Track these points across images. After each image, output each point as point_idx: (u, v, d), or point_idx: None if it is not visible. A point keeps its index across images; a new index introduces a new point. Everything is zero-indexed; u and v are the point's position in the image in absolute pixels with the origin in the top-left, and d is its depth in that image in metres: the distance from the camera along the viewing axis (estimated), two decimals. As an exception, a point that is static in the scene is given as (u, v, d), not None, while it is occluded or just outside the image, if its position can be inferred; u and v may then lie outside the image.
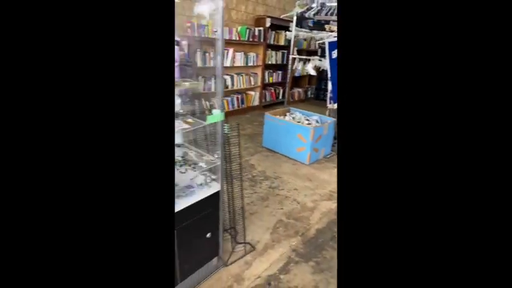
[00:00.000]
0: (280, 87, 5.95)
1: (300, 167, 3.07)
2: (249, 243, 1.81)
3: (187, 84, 1.27)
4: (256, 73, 5.24)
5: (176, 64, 1.35)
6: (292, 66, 4.55)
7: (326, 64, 3.60)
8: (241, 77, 4.91)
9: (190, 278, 1.44)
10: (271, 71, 5.58)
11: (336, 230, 2.01)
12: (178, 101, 1.40)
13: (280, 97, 5.98)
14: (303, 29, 4.67)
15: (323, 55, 3.99)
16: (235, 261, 1.67)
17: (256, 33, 4.92)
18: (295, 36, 4.50)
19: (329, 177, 2.86)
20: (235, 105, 4.94)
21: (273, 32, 5.28)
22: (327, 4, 4.03)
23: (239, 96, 5.00)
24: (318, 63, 4.11)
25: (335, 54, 3.35)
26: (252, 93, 5.27)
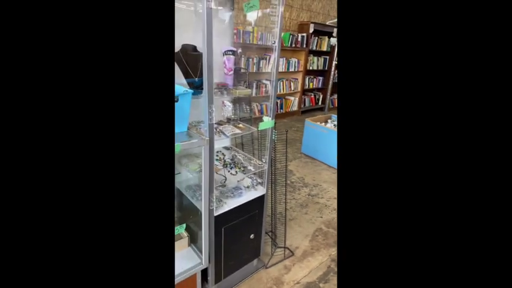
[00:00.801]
0: (319, 93, 5.88)
1: (340, 175, 3.01)
2: (288, 248, 1.83)
3: (237, 91, 1.34)
4: (296, 78, 5.25)
5: (230, 72, 1.44)
6: (334, 72, 4.48)
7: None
8: (281, 82, 4.96)
9: (233, 275, 1.51)
10: (312, 76, 5.55)
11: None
12: (230, 107, 1.48)
13: (320, 103, 5.91)
14: (348, 35, 4.58)
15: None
16: (274, 264, 1.71)
17: (299, 39, 4.93)
18: (339, 42, 4.44)
19: (370, 188, 2.77)
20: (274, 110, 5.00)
21: (316, 38, 5.26)
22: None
23: (278, 101, 5.05)
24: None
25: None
26: (292, 98, 5.29)
